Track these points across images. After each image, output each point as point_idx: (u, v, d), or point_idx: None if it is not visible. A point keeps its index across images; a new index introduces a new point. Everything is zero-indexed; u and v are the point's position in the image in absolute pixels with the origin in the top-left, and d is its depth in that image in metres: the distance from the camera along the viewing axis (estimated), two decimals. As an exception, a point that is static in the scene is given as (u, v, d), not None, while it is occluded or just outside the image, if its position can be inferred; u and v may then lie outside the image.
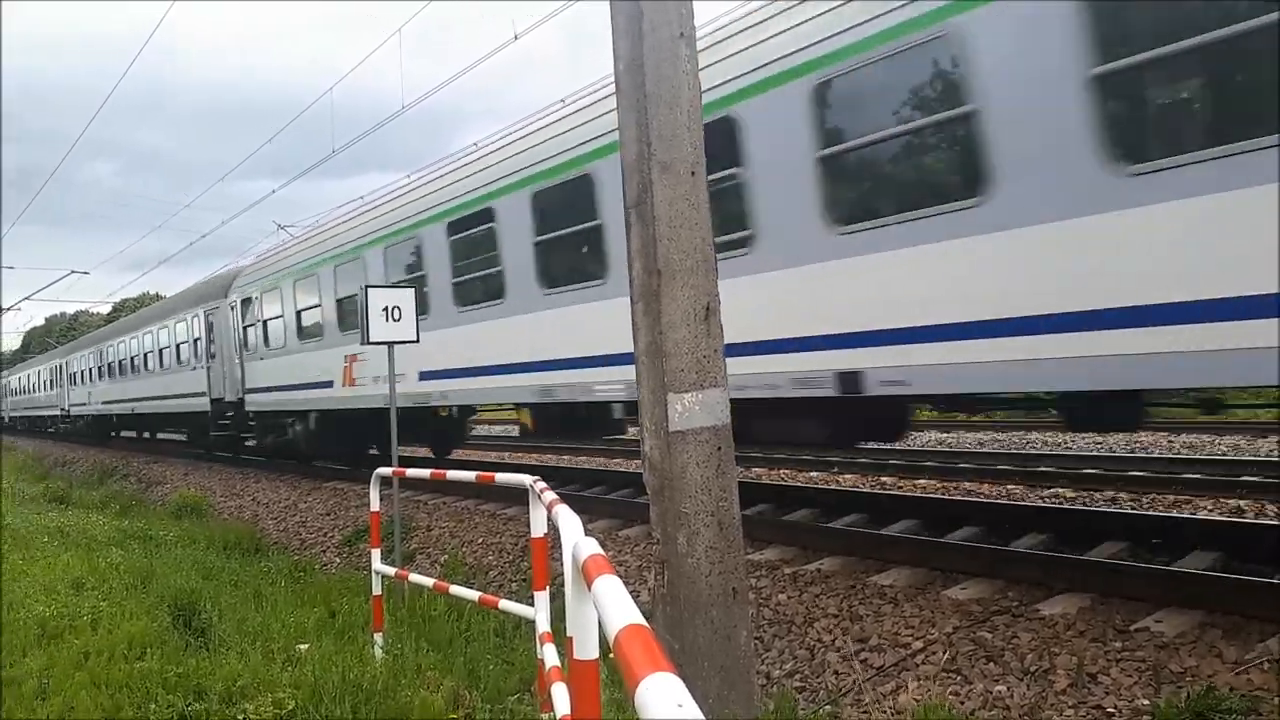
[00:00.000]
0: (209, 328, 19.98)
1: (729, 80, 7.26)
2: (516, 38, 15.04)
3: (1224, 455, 12.83)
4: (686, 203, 4.75)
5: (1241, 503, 8.44)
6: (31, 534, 10.29)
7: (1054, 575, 6.09)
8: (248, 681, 4.93)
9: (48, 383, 42.91)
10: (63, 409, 38.62)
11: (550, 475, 12.28)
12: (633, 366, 4.62)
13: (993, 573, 6.37)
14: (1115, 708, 4.51)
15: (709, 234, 4.86)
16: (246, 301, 17.88)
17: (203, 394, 20.18)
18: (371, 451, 15.41)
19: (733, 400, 4.59)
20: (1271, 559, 6.05)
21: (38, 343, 77.19)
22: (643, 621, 1.31)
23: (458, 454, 17.33)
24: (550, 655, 3.69)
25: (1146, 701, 4.49)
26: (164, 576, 7.90)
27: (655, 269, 4.74)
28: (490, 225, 10.33)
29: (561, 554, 2.22)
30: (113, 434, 33.75)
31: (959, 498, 9.48)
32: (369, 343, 8.70)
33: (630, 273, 4.97)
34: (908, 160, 6.45)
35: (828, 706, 5.19)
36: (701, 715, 0.93)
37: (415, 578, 5.83)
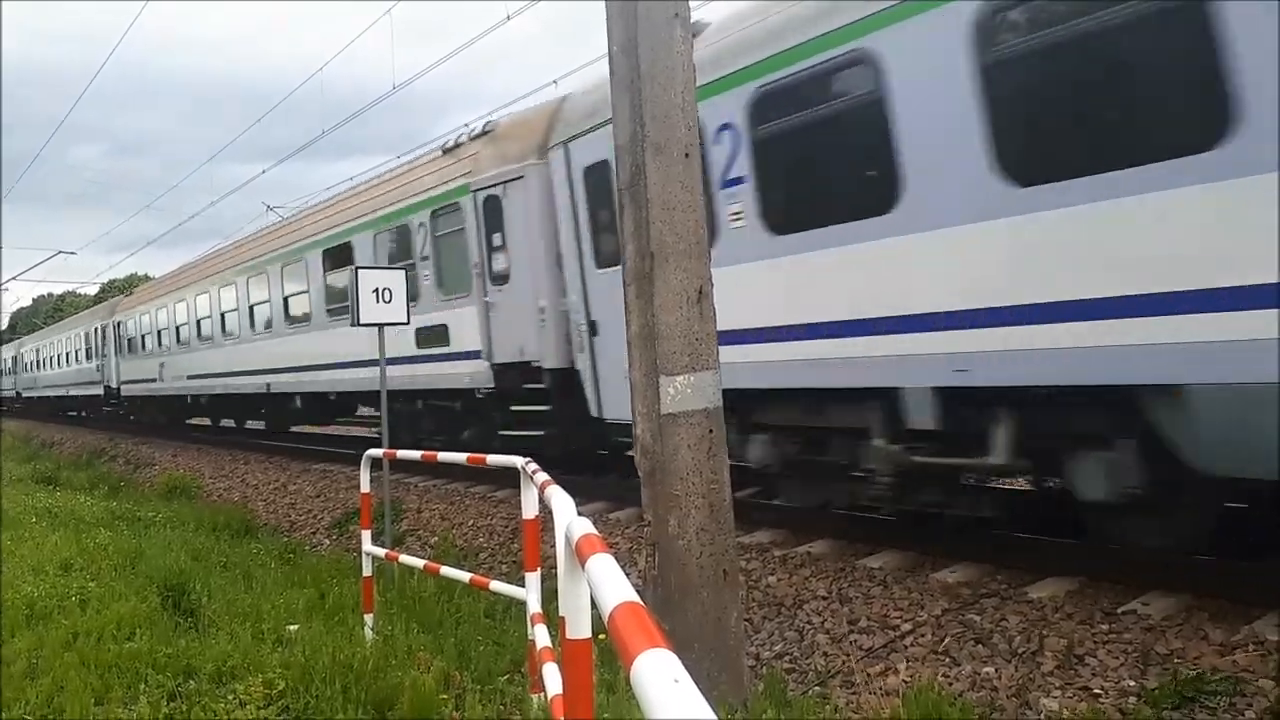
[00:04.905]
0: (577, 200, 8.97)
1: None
2: (509, 18, 14.95)
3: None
4: (680, 185, 4.73)
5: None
6: (19, 514, 10.23)
7: (1043, 558, 6.13)
8: (238, 662, 4.92)
9: (81, 353, 32.48)
10: (109, 386, 28.84)
11: (536, 458, 12.20)
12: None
13: (982, 556, 6.40)
14: (1102, 689, 4.55)
15: (702, 217, 4.84)
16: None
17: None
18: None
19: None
20: (1257, 544, 6.10)
21: (24, 323, 76.65)
22: (637, 599, 1.31)
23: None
24: (541, 636, 3.69)
25: (1133, 683, 4.53)
26: (153, 557, 7.86)
27: (648, 251, 4.73)
28: None
29: (552, 536, 2.21)
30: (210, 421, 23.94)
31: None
32: (359, 324, 8.39)
33: (622, 255, 4.96)
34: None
35: (817, 688, 5.22)
36: (698, 690, 0.93)
37: (406, 559, 5.82)
